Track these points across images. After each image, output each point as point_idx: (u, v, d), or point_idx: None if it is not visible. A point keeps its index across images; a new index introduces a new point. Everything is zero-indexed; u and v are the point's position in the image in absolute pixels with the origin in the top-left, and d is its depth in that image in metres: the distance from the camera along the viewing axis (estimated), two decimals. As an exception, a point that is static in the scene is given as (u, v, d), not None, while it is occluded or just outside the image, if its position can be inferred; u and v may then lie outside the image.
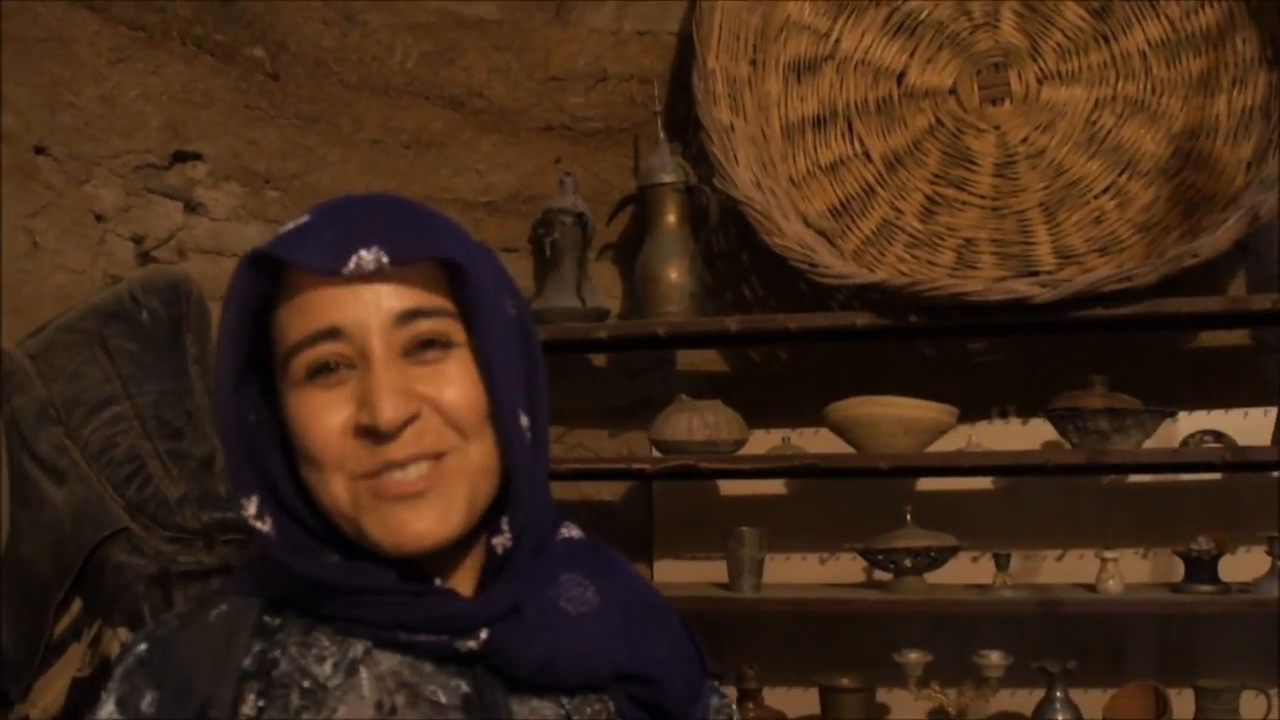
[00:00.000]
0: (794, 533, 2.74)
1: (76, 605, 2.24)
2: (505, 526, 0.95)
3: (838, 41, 2.73)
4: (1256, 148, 2.50)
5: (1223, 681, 2.40)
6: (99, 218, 2.48)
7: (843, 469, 2.54)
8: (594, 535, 1.06)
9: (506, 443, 0.94)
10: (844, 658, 2.63)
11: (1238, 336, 2.62)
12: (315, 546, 0.97)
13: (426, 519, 0.91)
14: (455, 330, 0.94)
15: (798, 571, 2.77)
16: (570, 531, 1.06)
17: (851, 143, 2.73)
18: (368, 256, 0.90)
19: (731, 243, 2.84)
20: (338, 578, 0.95)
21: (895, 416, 2.44)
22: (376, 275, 0.91)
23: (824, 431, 2.59)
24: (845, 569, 2.75)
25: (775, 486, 2.83)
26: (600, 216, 2.84)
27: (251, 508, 0.95)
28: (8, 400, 2.31)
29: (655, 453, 2.62)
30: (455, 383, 0.93)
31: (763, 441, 2.68)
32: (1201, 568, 2.41)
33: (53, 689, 2.25)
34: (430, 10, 2.81)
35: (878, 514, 2.58)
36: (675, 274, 2.61)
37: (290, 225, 0.95)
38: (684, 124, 2.80)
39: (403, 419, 0.90)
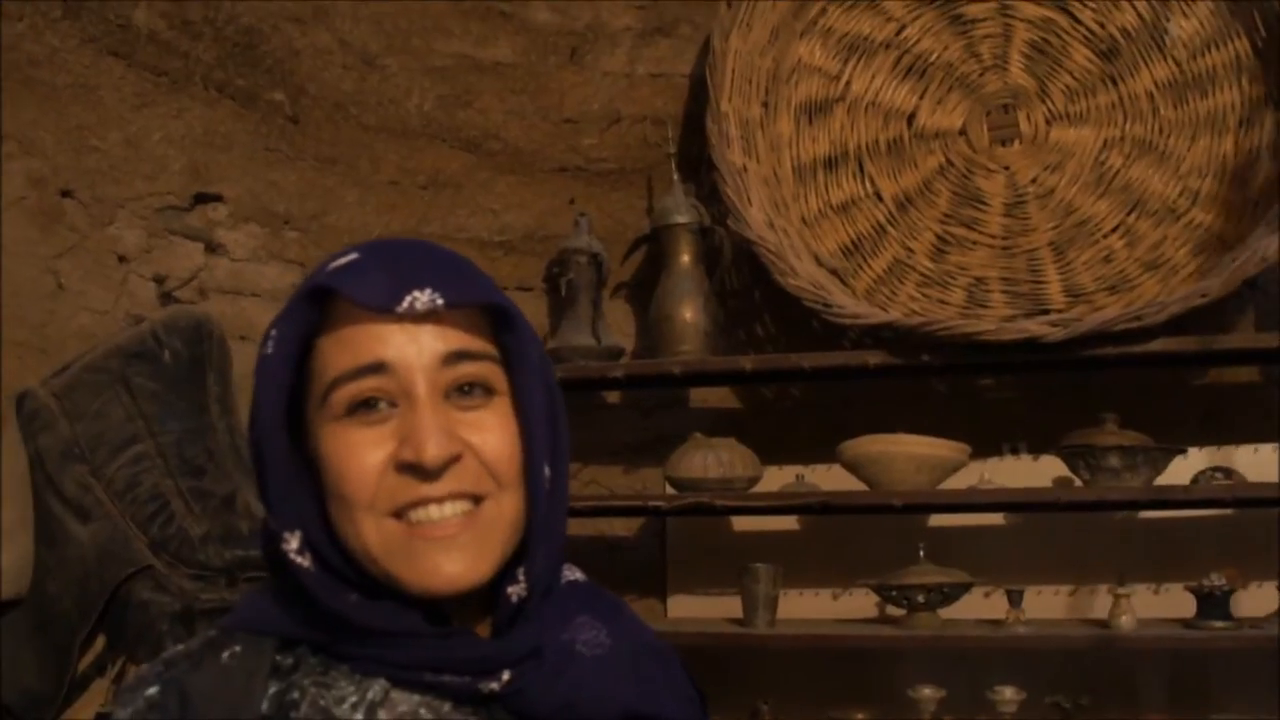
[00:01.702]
0: (807, 569, 2.76)
1: (100, 642, 2.28)
2: (521, 577, 0.96)
3: (848, 84, 2.78)
4: (1264, 188, 2.53)
5: (1234, 717, 2.43)
6: (122, 259, 2.53)
7: (857, 506, 2.57)
8: (609, 571, 1.09)
9: (531, 495, 0.96)
10: (857, 693, 2.65)
11: (1246, 373, 2.65)
12: (339, 585, 0.96)
13: (459, 563, 0.92)
14: (497, 377, 0.95)
15: (811, 607, 2.79)
16: (574, 574, 1.07)
17: (863, 183, 2.77)
18: (422, 297, 0.91)
19: (743, 281, 2.88)
20: (372, 620, 0.94)
21: (908, 454, 2.47)
22: (428, 316, 0.92)
23: (836, 468, 2.62)
24: (859, 605, 2.77)
25: (789, 523, 2.85)
26: (614, 255, 2.88)
27: (295, 542, 0.94)
28: (33, 439, 2.34)
29: (669, 489, 2.65)
30: (496, 432, 0.94)
31: (776, 478, 2.70)
32: (1214, 604, 2.42)
33: None
34: (447, 55, 2.88)
35: (891, 550, 2.61)
36: (690, 313, 2.65)
37: (338, 260, 0.96)
38: (697, 164, 2.86)
39: (446, 458, 0.91)
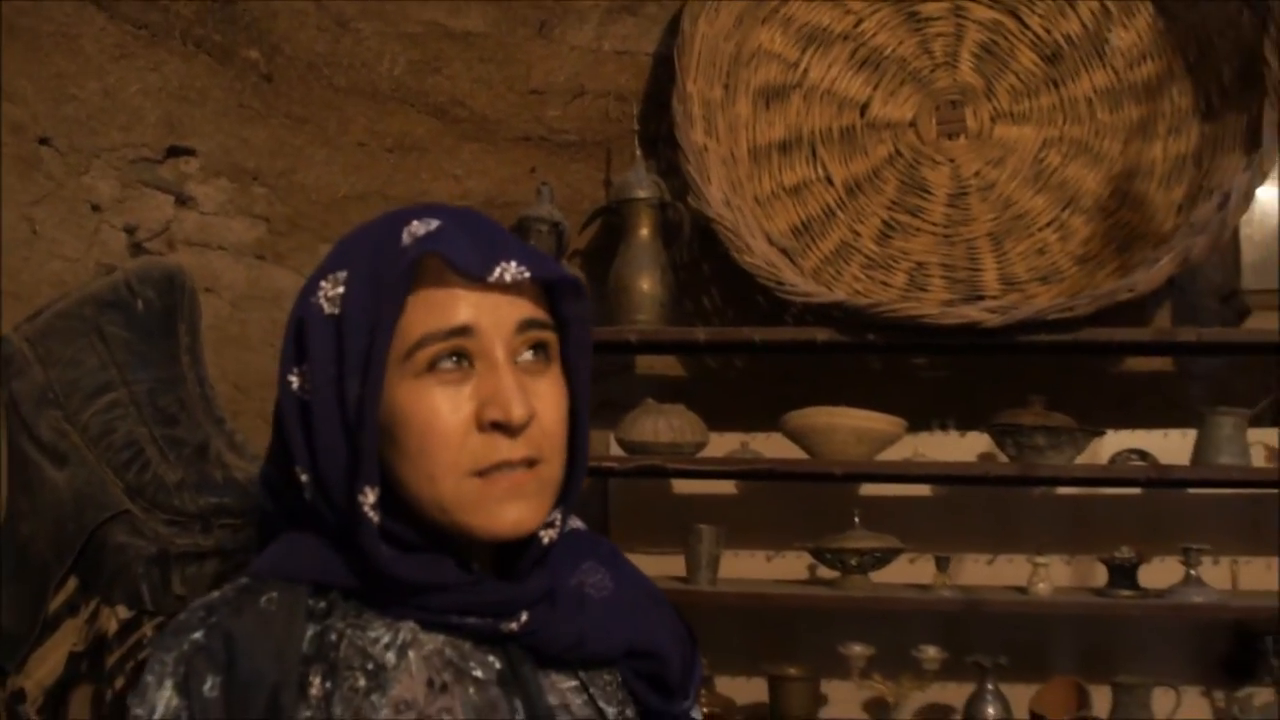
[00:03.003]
0: (747, 531, 2.88)
1: (72, 583, 2.33)
2: (557, 521, 1.04)
3: (806, 71, 2.89)
4: (1188, 192, 2.70)
5: (1138, 678, 2.60)
6: (95, 208, 2.58)
7: (800, 473, 2.71)
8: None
9: (576, 459, 1.04)
10: (792, 649, 2.79)
11: (1163, 363, 2.84)
12: (392, 542, 1.01)
13: (525, 512, 0.99)
14: (554, 343, 1.02)
15: (750, 568, 2.91)
16: (575, 523, 1.15)
17: (815, 167, 2.89)
18: (510, 269, 0.98)
19: (693, 254, 2.97)
20: (412, 574, 1.00)
21: (850, 426, 2.62)
22: (511, 287, 0.99)
23: (777, 436, 2.73)
24: (794, 566, 2.90)
25: (728, 487, 2.97)
26: (572, 223, 2.97)
27: (372, 497, 0.98)
28: (6, 384, 2.39)
29: (618, 451, 2.77)
30: (553, 399, 1.01)
31: (721, 444, 2.82)
32: (1123, 574, 2.61)
33: (48, 662, 2.34)
34: (419, 21, 2.94)
35: (827, 516, 2.74)
36: (647, 284, 2.76)
37: (421, 227, 1.00)
38: (656, 140, 2.95)
39: (528, 416, 0.97)
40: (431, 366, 0.98)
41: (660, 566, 2.90)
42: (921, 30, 2.86)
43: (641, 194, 2.79)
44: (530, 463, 0.99)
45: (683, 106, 2.73)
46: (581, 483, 1.06)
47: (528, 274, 0.98)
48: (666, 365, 3.05)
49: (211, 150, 2.72)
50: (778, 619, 2.89)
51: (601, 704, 1.07)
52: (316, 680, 0.98)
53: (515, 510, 0.99)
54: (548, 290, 1.02)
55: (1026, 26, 2.82)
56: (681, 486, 3.00)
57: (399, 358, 0.98)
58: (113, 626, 2.29)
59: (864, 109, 2.88)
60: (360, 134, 2.92)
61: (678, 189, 2.80)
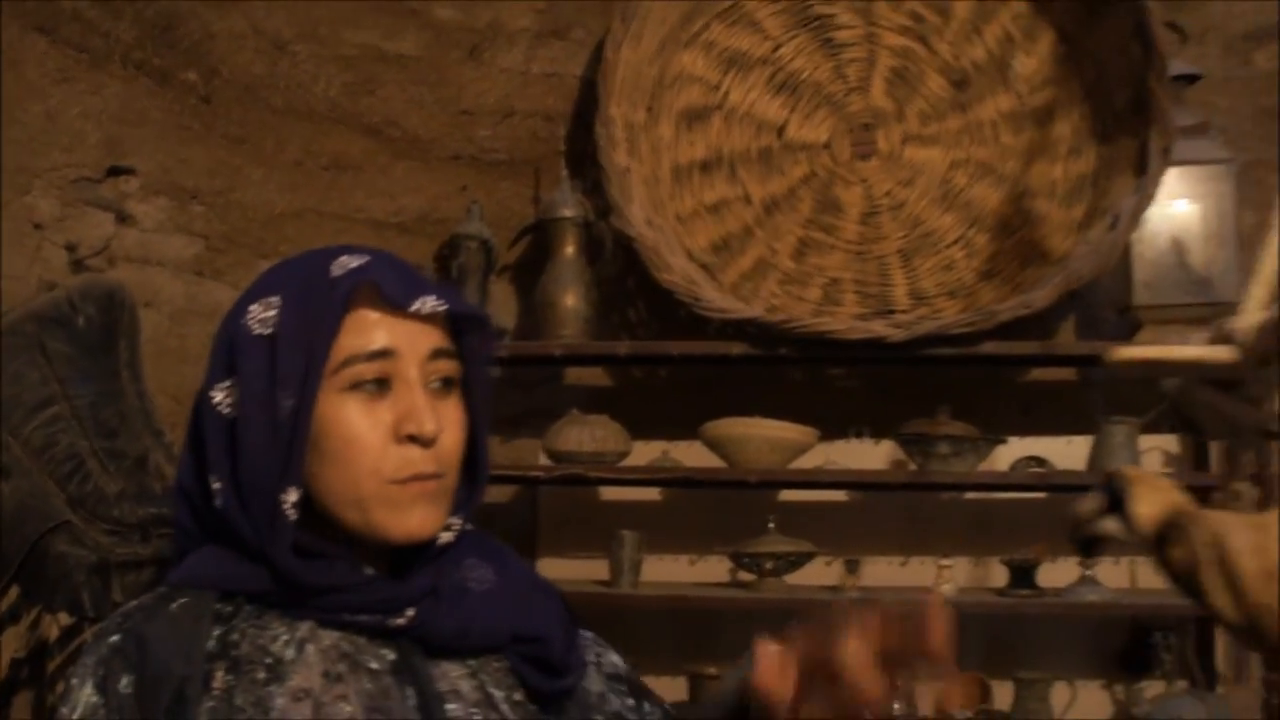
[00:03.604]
0: (668, 536, 3.05)
1: (14, 591, 2.47)
2: (454, 526, 1.17)
3: (727, 94, 3.06)
4: (1086, 211, 2.88)
5: (1037, 673, 2.80)
6: (37, 226, 2.68)
7: (716, 480, 2.87)
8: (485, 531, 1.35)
9: (476, 475, 1.18)
10: (711, 650, 2.93)
11: (1063, 374, 3.02)
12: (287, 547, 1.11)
13: (430, 517, 1.12)
14: (458, 374, 1.16)
15: (671, 571, 3.08)
16: (466, 525, 1.27)
17: (734, 186, 3.05)
18: (430, 301, 1.11)
19: (619, 269, 3.11)
20: (311, 576, 1.12)
21: (763, 436, 2.79)
22: (427, 318, 1.12)
23: (698, 445, 2.90)
24: (714, 570, 3.06)
25: (652, 494, 3.13)
26: (501, 239, 3.12)
27: (294, 496, 1.10)
28: None
29: (545, 460, 2.92)
30: (455, 422, 1.15)
31: (643, 453, 2.98)
32: (1022, 575, 2.79)
33: None
34: (354, 45, 3.07)
35: (744, 521, 2.89)
36: (571, 300, 2.92)
37: (351, 261, 1.13)
38: (582, 158, 3.09)
39: (439, 431, 1.11)
40: (355, 384, 1.10)
41: (586, 570, 3.05)
42: (836, 56, 3.03)
43: (566, 213, 2.95)
44: (436, 475, 1.12)
45: (605, 130, 2.89)
46: (482, 494, 1.20)
47: (444, 307, 1.12)
48: (593, 376, 3.20)
49: (151, 170, 2.84)
50: (698, 620, 3.05)
51: (490, 688, 1.17)
52: (220, 674, 1.09)
53: (422, 514, 1.12)
54: (455, 326, 1.17)
55: (935, 53, 3.00)
56: (607, 494, 3.16)
57: (327, 374, 1.10)
58: (54, 633, 2.42)
59: (781, 131, 3.05)
60: (297, 153, 3.04)
61: (602, 207, 2.96)
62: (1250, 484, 1.17)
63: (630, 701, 1.30)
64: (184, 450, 1.17)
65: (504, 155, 3.20)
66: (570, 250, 2.96)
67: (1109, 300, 2.97)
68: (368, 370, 1.11)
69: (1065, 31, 2.93)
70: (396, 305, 1.10)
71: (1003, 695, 2.82)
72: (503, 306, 3.15)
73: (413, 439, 1.10)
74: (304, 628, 1.13)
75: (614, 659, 1.32)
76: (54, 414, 2.52)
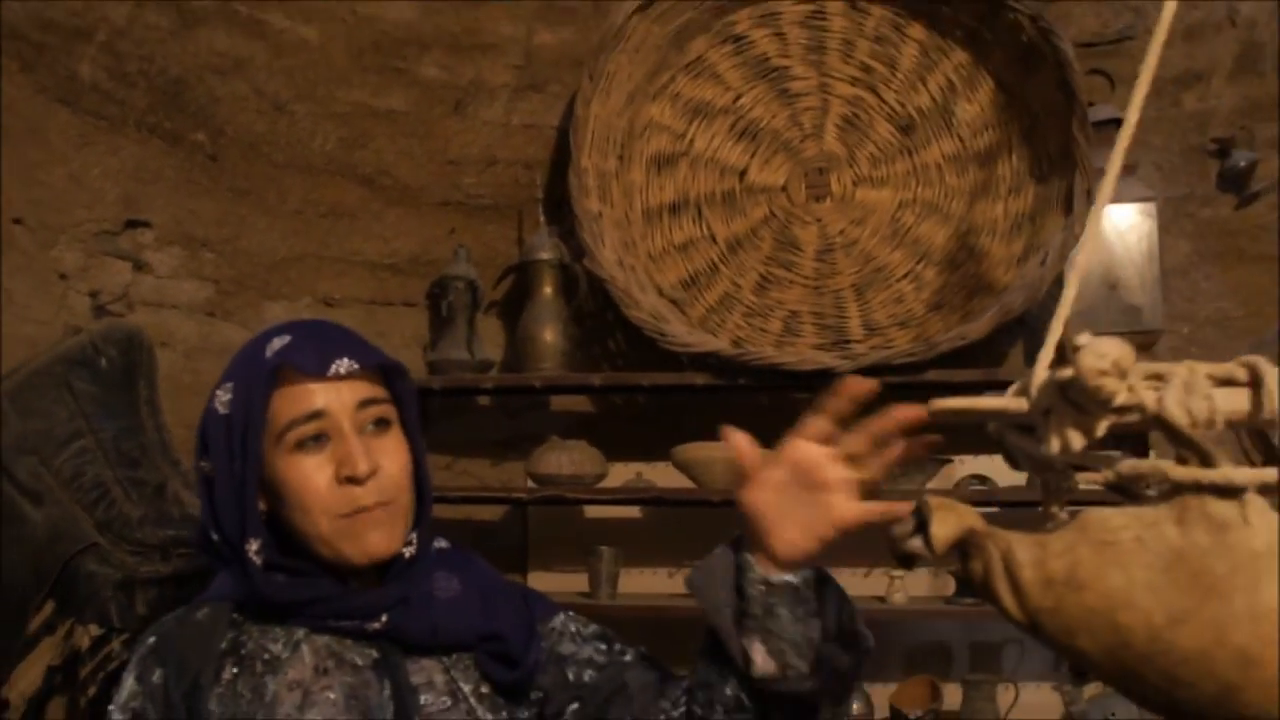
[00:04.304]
0: (644, 551, 3.34)
1: (49, 606, 2.72)
2: (414, 542, 1.42)
3: (692, 141, 3.37)
4: (1024, 247, 3.16)
5: (983, 676, 3.08)
6: (62, 276, 3.01)
7: (684, 500, 3.16)
8: (473, 549, 1.54)
9: (420, 495, 1.43)
10: (685, 657, 3.18)
11: (1009, 396, 3.32)
12: (270, 574, 1.38)
13: (385, 538, 1.37)
14: (391, 413, 1.41)
15: (647, 584, 3.36)
16: (441, 543, 1.51)
17: (700, 226, 3.35)
18: (344, 364, 1.36)
19: (599, 304, 3.38)
20: (295, 594, 1.38)
21: (727, 459, 3.10)
22: (347, 376, 1.36)
23: (669, 467, 3.17)
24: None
25: (630, 512, 3.42)
26: (487, 279, 3.44)
27: (255, 545, 1.37)
28: None
29: (530, 483, 3.22)
30: (395, 453, 1.39)
31: (620, 474, 3.29)
32: (970, 585, 3.10)
33: (28, 675, 2.74)
34: (347, 102, 3.37)
35: (714, 537, 3.16)
36: (550, 335, 3.24)
37: (279, 342, 1.37)
38: (560, 203, 3.38)
39: (371, 470, 1.34)
40: (299, 443, 1.36)
41: (569, 583, 3.34)
42: (792, 105, 3.34)
43: (544, 256, 3.27)
44: (382, 504, 1.37)
45: (578, 179, 3.21)
46: (429, 512, 1.44)
47: (356, 365, 1.37)
48: (576, 403, 3.51)
49: (165, 222, 3.15)
50: (672, 628, 3.33)
51: (460, 682, 1.42)
52: (228, 668, 1.37)
53: (376, 538, 1.37)
54: (386, 375, 1.43)
55: (884, 101, 3.30)
56: (589, 513, 3.45)
57: (274, 440, 1.36)
58: (85, 643, 2.68)
59: (743, 175, 3.36)
60: (297, 203, 3.35)
61: (577, 249, 3.27)
62: (1064, 509, 1.46)
63: (602, 646, 1.52)
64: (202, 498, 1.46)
65: (488, 200, 3.51)
66: (549, 290, 3.28)
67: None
68: (306, 430, 1.35)
69: (1002, 80, 3.22)
70: (311, 373, 1.35)
71: (952, 696, 3.09)
72: (490, 341, 3.46)
73: (350, 480, 1.34)
74: (299, 633, 1.40)
75: (592, 627, 1.54)
76: (81, 447, 2.81)
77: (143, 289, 3.17)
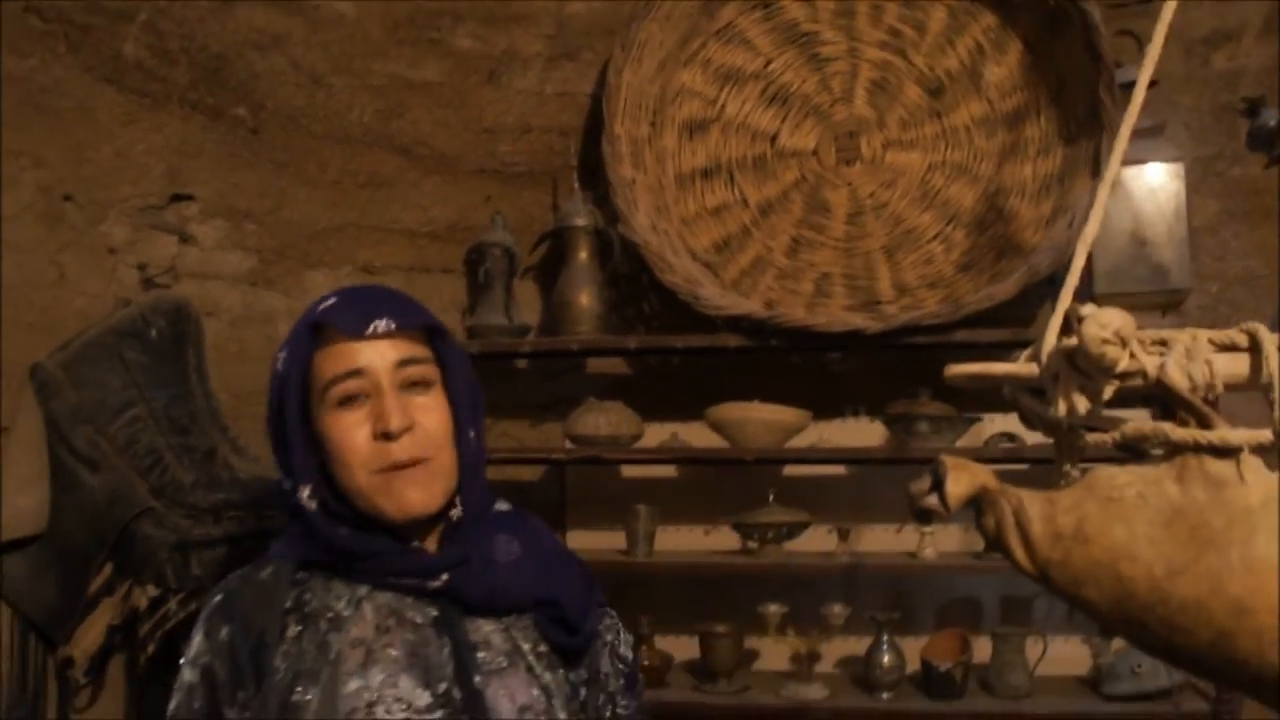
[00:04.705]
0: (680, 509, 3.46)
1: (109, 568, 2.83)
2: (458, 504, 1.47)
3: (723, 107, 3.46)
4: (1053, 208, 3.23)
5: (1013, 629, 3.17)
6: (111, 250, 3.13)
7: (720, 459, 3.28)
8: (533, 513, 1.61)
9: (460, 453, 1.46)
10: (719, 610, 3.30)
11: (1037, 355, 3.41)
12: (334, 522, 1.43)
13: (420, 495, 1.41)
14: (433, 373, 1.45)
15: (683, 541, 3.48)
16: (502, 505, 1.57)
17: (732, 191, 3.46)
18: (381, 324, 1.42)
19: (633, 268, 3.49)
20: (355, 545, 1.43)
21: (759, 419, 3.21)
22: (385, 336, 1.42)
23: (704, 427, 3.28)
24: (721, 539, 3.46)
25: (668, 471, 3.54)
26: (523, 245, 3.55)
27: (306, 492, 1.43)
28: (46, 403, 2.88)
29: (568, 443, 3.33)
30: (434, 412, 1.43)
31: (656, 435, 3.40)
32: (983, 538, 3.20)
33: (90, 634, 2.86)
34: (384, 75, 3.48)
35: (747, 495, 3.29)
36: (586, 299, 3.35)
37: (324, 303, 1.44)
38: (594, 169, 3.49)
39: (404, 426, 1.39)
40: (340, 400, 1.42)
41: (607, 541, 3.45)
42: (822, 70, 3.43)
43: (579, 222, 3.38)
44: (416, 460, 1.41)
45: (611, 147, 3.31)
46: (472, 474, 1.48)
47: (394, 325, 1.43)
48: (612, 365, 3.61)
49: (208, 195, 3.27)
50: (707, 584, 3.47)
51: (519, 641, 1.47)
52: (292, 626, 1.42)
53: (412, 494, 1.41)
54: (429, 336, 1.48)
55: (912, 65, 3.38)
56: (625, 472, 3.57)
57: (319, 397, 1.43)
58: (143, 603, 2.80)
59: (774, 139, 3.45)
60: (336, 174, 3.47)
61: (611, 214, 3.36)
62: (1076, 467, 1.56)
63: (623, 684, 1.59)
64: None
65: (523, 168, 3.62)
66: (584, 255, 3.38)
67: (1079, 288, 3.35)
68: (346, 387, 1.42)
69: (1030, 42, 3.29)
70: (349, 333, 1.42)
71: (981, 649, 3.19)
72: (526, 305, 3.58)
73: (385, 435, 1.40)
74: (361, 590, 1.45)
75: (625, 650, 1.60)
76: (134, 415, 2.93)
77: (188, 260, 3.28)
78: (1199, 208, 3.30)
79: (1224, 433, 1.31)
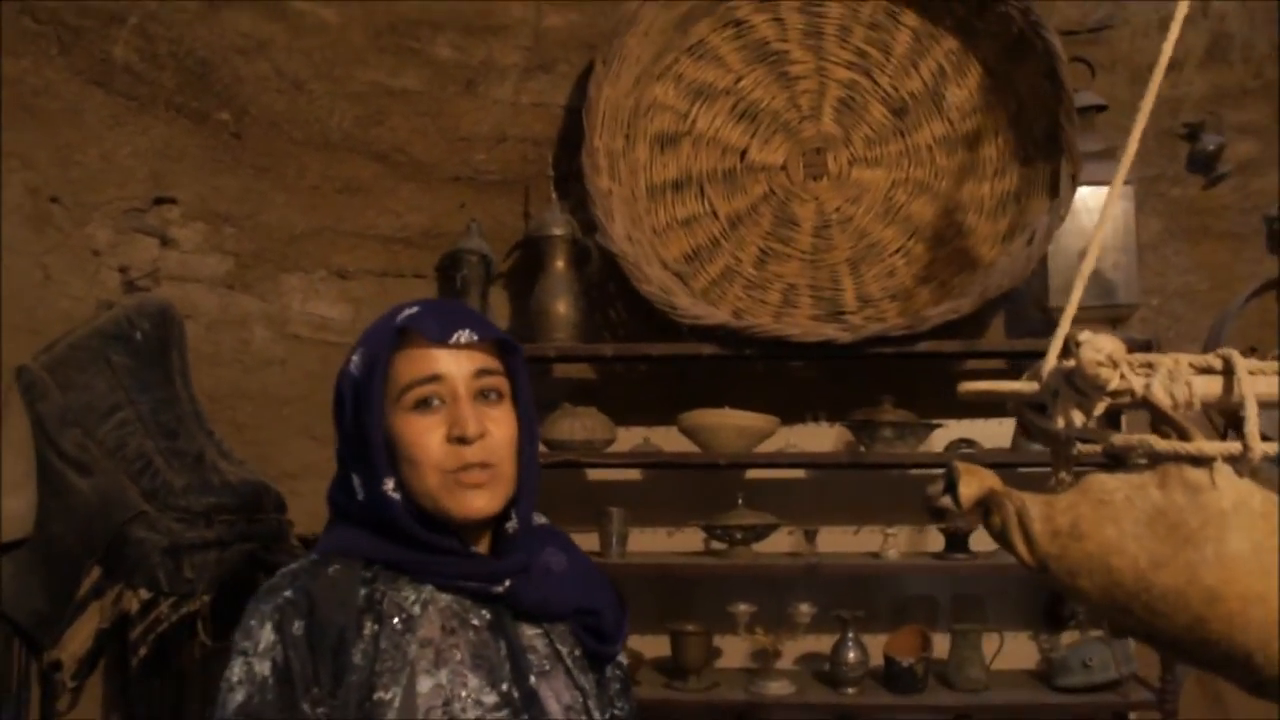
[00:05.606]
0: (651, 512, 3.65)
1: (96, 572, 2.94)
2: (514, 515, 1.53)
3: (694, 121, 3.67)
4: (1010, 224, 3.50)
5: (970, 625, 3.41)
6: (95, 253, 3.27)
7: (691, 463, 3.47)
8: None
9: (523, 467, 1.53)
10: (689, 609, 3.51)
11: (992, 364, 3.64)
12: (411, 517, 1.48)
13: (484, 500, 1.48)
14: (504, 386, 1.52)
15: (654, 542, 3.67)
16: (541, 519, 1.64)
17: (703, 203, 3.66)
18: (464, 335, 1.49)
19: (603, 276, 3.68)
20: (429, 538, 1.47)
21: (731, 424, 3.42)
22: (466, 346, 1.49)
23: (675, 431, 3.48)
24: (690, 540, 3.65)
25: (636, 475, 3.73)
26: (497, 251, 3.72)
27: (390, 484, 1.48)
28: (32, 406, 2.96)
29: (543, 448, 3.53)
30: (504, 424, 1.51)
31: (627, 439, 3.60)
32: (957, 541, 3.42)
33: (78, 637, 2.92)
34: (363, 82, 3.65)
35: (716, 498, 3.49)
36: (562, 308, 3.54)
37: (407, 311, 1.51)
38: (568, 177, 3.65)
39: (480, 433, 1.46)
40: (417, 403, 1.48)
41: (580, 543, 3.54)
42: (791, 87, 3.66)
43: (556, 231, 3.58)
44: (485, 465, 1.48)
45: (590, 159, 3.51)
46: (532, 485, 1.56)
47: (475, 337, 1.50)
48: (582, 370, 3.80)
49: (190, 198, 3.41)
50: (677, 584, 3.66)
51: (558, 645, 1.55)
52: (368, 624, 1.45)
53: (477, 498, 1.48)
54: (502, 351, 1.56)
55: (878, 85, 3.62)
56: (598, 475, 3.74)
57: (395, 400, 1.49)
58: (134, 607, 2.92)
59: (743, 154, 3.67)
60: (315, 179, 3.62)
61: (587, 223, 3.54)
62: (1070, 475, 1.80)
63: (619, 688, 1.67)
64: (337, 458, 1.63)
65: (498, 176, 3.80)
66: (560, 264, 3.58)
67: (1033, 301, 3.61)
68: (424, 391, 1.49)
69: (990, 66, 3.55)
70: (433, 340, 1.50)
71: (940, 645, 3.43)
72: (499, 312, 3.77)
73: (460, 440, 1.47)
74: (426, 590, 1.50)
75: (621, 656, 1.68)
76: (122, 419, 3.02)
77: (169, 263, 3.43)
78: (1142, 226, 3.56)
79: (1200, 444, 1.55)
